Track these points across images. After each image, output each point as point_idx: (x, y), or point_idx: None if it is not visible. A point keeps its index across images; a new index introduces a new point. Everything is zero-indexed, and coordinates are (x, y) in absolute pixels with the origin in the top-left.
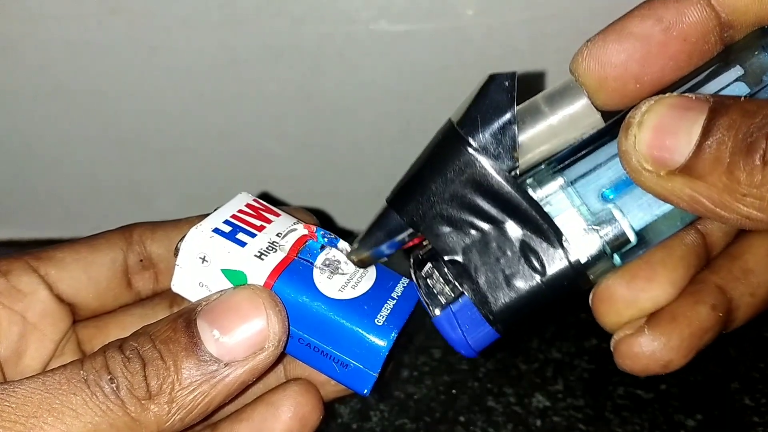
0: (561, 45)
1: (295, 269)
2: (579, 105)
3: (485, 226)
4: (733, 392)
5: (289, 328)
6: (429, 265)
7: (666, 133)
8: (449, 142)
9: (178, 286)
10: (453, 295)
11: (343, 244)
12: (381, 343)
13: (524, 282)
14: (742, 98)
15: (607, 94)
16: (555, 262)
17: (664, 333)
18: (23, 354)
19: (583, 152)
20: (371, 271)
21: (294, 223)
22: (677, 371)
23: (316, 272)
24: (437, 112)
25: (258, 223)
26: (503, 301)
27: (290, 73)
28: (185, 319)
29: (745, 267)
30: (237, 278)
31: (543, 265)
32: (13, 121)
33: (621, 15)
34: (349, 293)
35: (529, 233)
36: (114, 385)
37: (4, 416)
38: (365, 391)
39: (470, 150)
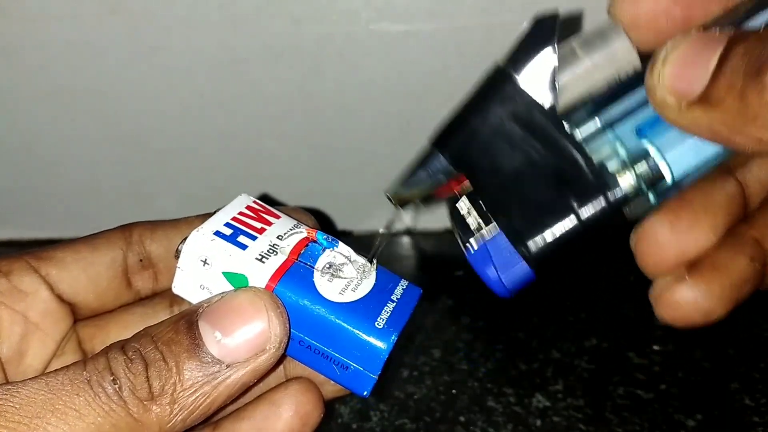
0: None
1: (296, 272)
2: (617, 42)
3: (524, 161)
4: (733, 392)
5: (290, 330)
6: (466, 200)
7: (687, 65)
8: (492, 79)
9: (179, 288)
10: (488, 231)
11: (343, 247)
12: (381, 345)
13: (560, 218)
14: (762, 29)
15: (640, 32)
16: (591, 199)
17: (706, 281)
18: (25, 354)
19: (621, 95)
20: (371, 274)
21: (294, 226)
22: (677, 371)
23: (316, 275)
24: (437, 112)
25: (258, 225)
26: (538, 236)
27: (290, 73)
28: (187, 321)
29: None
30: (238, 281)
31: (579, 202)
32: (13, 122)
33: None
34: (350, 296)
35: (566, 170)
36: (117, 385)
37: (8, 417)
38: (365, 393)
39: (512, 84)
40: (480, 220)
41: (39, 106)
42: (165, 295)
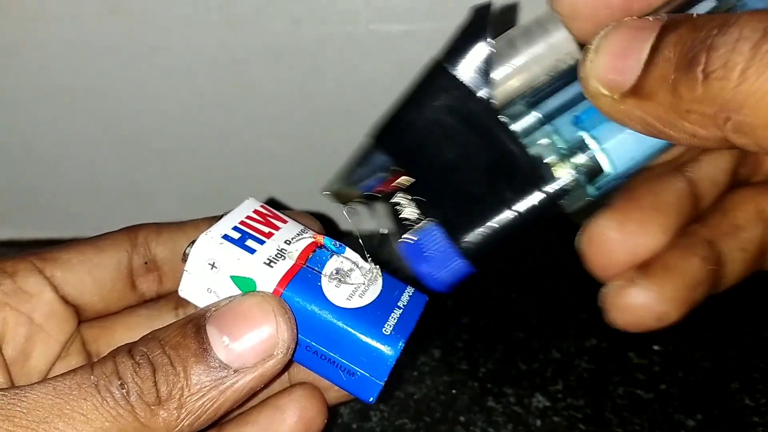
0: None
1: (304, 277)
2: (555, 33)
3: (461, 155)
4: (733, 392)
5: (297, 336)
6: (403, 195)
7: (619, 55)
8: (429, 73)
9: (186, 291)
10: (422, 224)
11: (350, 253)
12: (389, 352)
13: (497, 211)
14: (695, 15)
15: (579, 22)
16: (528, 191)
17: (658, 283)
18: (30, 355)
19: (560, 87)
20: (378, 280)
21: (302, 231)
22: (677, 371)
23: (324, 281)
24: None
25: (266, 230)
26: (476, 230)
27: (290, 73)
28: (195, 325)
29: (735, 222)
30: (246, 285)
31: (516, 195)
32: (13, 121)
33: None
34: (357, 302)
35: (503, 162)
36: (124, 390)
37: (16, 421)
38: (371, 399)
39: (448, 76)
40: (417, 215)
41: (39, 106)
42: (170, 297)
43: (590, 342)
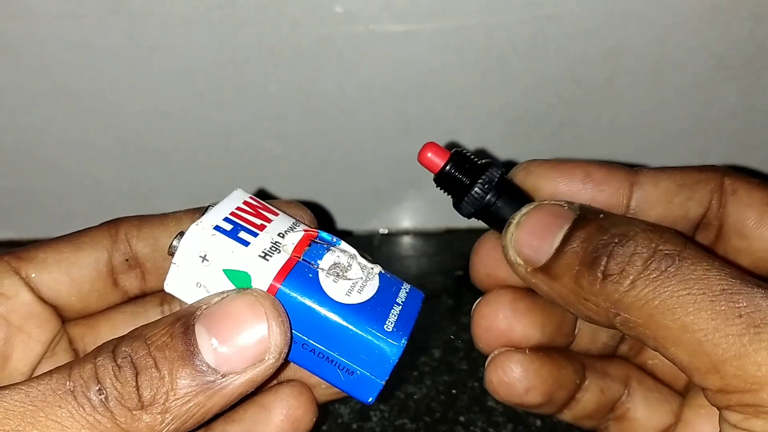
0: (561, 45)
1: (301, 271)
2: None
3: None
4: None
5: (291, 339)
6: None
7: (535, 235)
8: None
9: (172, 286)
10: None
11: (346, 246)
12: (391, 350)
13: None
14: (601, 215)
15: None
16: None
17: (536, 363)
18: (9, 356)
19: None
20: (375, 276)
21: (294, 223)
22: None
23: (321, 275)
24: (437, 112)
25: (258, 222)
26: None
27: (290, 73)
28: (183, 324)
29: (605, 370)
30: (240, 280)
31: None
32: (13, 121)
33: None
34: (356, 298)
35: None
36: (102, 396)
37: None
38: (370, 399)
39: None
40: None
41: (39, 106)
42: (155, 294)
43: None
